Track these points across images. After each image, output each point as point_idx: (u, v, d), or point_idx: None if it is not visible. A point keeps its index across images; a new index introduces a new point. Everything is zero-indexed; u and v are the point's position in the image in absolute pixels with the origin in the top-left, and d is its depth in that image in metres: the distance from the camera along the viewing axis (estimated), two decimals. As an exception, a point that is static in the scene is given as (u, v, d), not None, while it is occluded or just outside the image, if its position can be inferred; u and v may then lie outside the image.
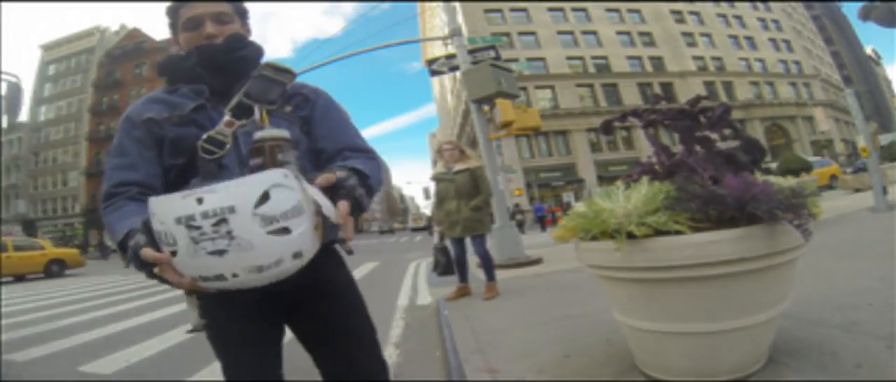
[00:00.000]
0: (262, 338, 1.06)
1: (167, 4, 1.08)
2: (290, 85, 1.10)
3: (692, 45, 36.13)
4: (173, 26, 1.07)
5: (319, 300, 1.09)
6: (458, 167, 4.08)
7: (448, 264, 4.14)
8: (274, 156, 0.91)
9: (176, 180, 1.00)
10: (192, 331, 1.00)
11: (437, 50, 23.05)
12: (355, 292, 1.17)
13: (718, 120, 1.75)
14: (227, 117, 1.00)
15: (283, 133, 0.95)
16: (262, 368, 1.05)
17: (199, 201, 0.70)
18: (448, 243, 4.20)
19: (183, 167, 1.00)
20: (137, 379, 2.85)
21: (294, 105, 1.10)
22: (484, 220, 4.06)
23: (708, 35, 37.30)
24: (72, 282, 10.63)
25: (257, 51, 1.12)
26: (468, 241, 4.17)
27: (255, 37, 1.15)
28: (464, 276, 4.18)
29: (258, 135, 0.94)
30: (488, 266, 4.13)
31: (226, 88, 1.05)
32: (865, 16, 4.16)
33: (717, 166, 1.65)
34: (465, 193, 3.99)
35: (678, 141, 1.80)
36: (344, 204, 0.85)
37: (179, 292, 1.00)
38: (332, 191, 0.90)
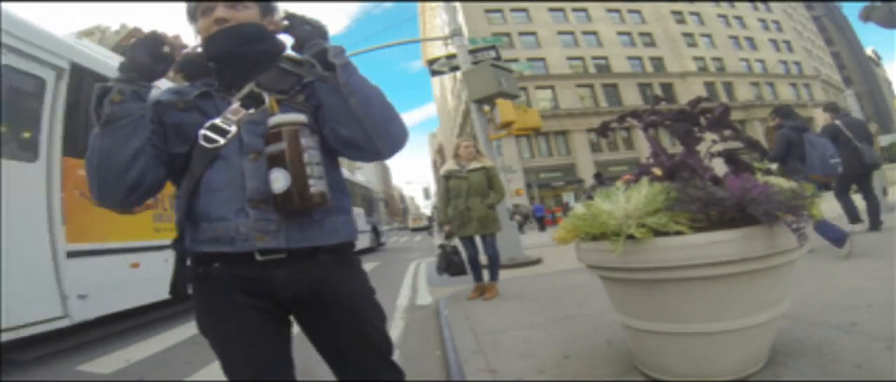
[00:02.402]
0: (259, 337, 0.96)
1: (185, 4, 1.05)
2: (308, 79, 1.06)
3: (693, 45, 36.11)
4: (192, 17, 1.03)
5: (327, 310, 1.00)
6: (472, 165, 4.05)
7: (461, 264, 4.08)
8: (296, 141, 0.90)
9: (179, 171, 0.98)
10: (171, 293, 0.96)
11: (438, 50, 23.06)
12: (369, 302, 1.07)
13: (717, 120, 1.75)
14: (234, 105, 0.98)
15: (300, 117, 0.94)
16: (259, 366, 0.96)
17: None
18: (457, 242, 4.15)
19: (187, 155, 0.97)
20: (137, 379, 2.85)
21: (307, 94, 1.05)
22: (498, 219, 4.04)
23: (708, 35, 37.28)
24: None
25: (277, 46, 1.07)
26: (478, 240, 4.12)
27: None
28: (478, 275, 4.12)
29: (273, 119, 0.92)
30: (496, 266, 4.12)
31: (239, 81, 1.01)
32: (866, 17, 4.15)
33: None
34: (479, 191, 3.96)
35: (677, 142, 1.80)
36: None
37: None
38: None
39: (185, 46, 0.98)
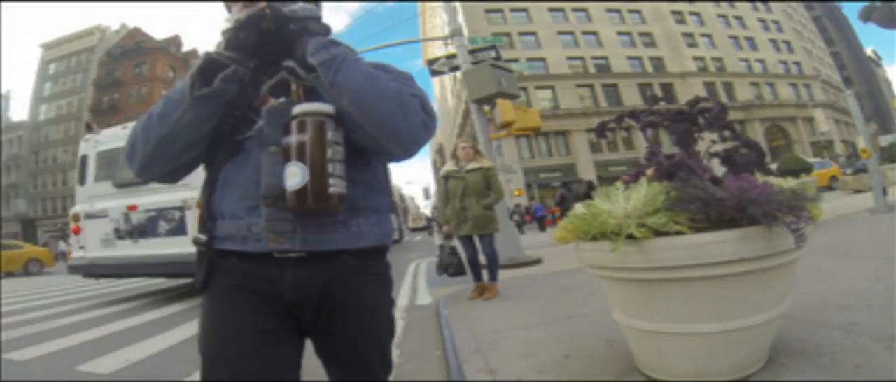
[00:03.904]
0: (266, 344, 0.86)
1: None
2: None
3: (693, 45, 36.12)
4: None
5: (334, 316, 0.91)
6: (471, 166, 4.07)
7: (460, 264, 4.10)
8: (320, 133, 0.81)
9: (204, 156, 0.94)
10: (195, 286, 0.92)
11: (438, 50, 23.05)
12: (383, 319, 0.99)
13: (715, 120, 1.75)
14: (262, 92, 0.91)
15: (327, 107, 0.83)
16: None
17: None
18: (456, 242, 4.18)
19: (211, 142, 0.92)
20: (137, 379, 2.85)
21: None
22: (494, 219, 4.05)
23: (708, 35, 37.30)
24: (72, 281, 10.63)
25: (323, 29, 0.93)
26: (477, 241, 4.14)
27: None
28: (478, 275, 4.14)
29: (298, 108, 0.83)
30: (495, 266, 4.12)
31: (270, 67, 0.92)
32: (866, 17, 4.16)
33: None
34: (476, 191, 3.98)
35: (673, 143, 1.80)
36: None
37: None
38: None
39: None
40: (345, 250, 0.89)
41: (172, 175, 0.94)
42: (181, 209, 5.41)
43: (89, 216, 5.98)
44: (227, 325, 0.86)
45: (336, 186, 0.81)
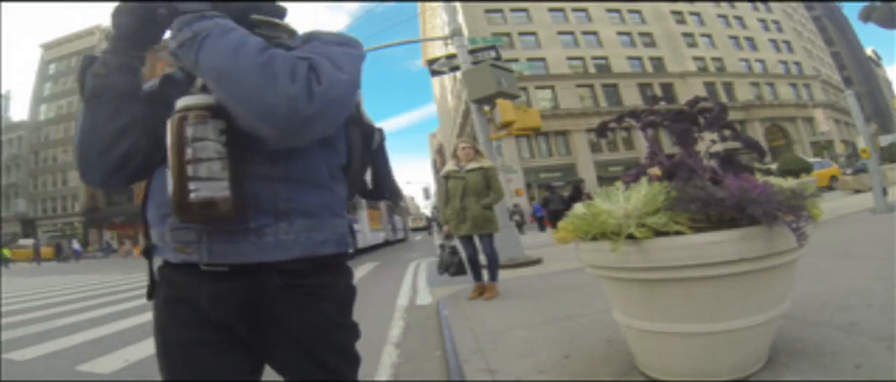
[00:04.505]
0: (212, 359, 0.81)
1: None
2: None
3: (693, 45, 36.11)
4: None
5: (271, 343, 0.81)
6: (471, 165, 4.08)
7: (460, 264, 4.12)
8: (179, 132, 0.70)
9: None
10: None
11: (438, 50, 23.05)
12: (331, 348, 0.85)
13: (715, 120, 1.75)
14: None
15: (200, 99, 0.73)
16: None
17: None
18: (457, 242, 4.19)
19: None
20: (137, 379, 2.85)
21: None
22: (494, 219, 4.05)
23: (708, 36, 37.29)
24: (72, 281, 10.62)
25: (275, 10, 0.88)
26: (477, 241, 4.15)
27: None
28: (478, 275, 4.15)
29: (179, 103, 0.74)
30: (494, 266, 4.13)
31: None
32: (866, 17, 4.16)
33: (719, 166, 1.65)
34: (475, 191, 3.98)
35: (673, 143, 1.80)
36: None
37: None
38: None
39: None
40: (265, 264, 0.77)
41: (115, 180, 0.85)
42: None
43: None
44: (169, 335, 0.82)
45: (200, 190, 0.69)
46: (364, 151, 0.98)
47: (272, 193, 0.77)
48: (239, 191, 0.72)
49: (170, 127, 0.72)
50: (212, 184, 0.70)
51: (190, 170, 0.69)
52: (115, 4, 0.79)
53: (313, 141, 0.76)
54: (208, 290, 0.78)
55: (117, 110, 0.79)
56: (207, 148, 0.70)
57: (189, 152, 0.69)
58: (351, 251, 0.81)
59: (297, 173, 0.80)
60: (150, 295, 0.87)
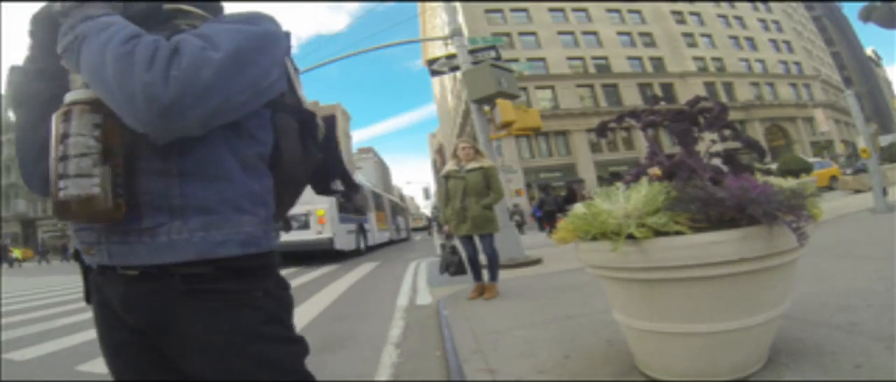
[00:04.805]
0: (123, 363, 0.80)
1: None
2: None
3: (693, 45, 36.11)
4: None
5: (183, 358, 0.75)
6: (471, 165, 4.08)
7: (461, 263, 4.13)
8: (57, 129, 0.68)
9: None
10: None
11: (438, 50, 23.05)
12: (245, 362, 0.74)
13: (715, 120, 1.75)
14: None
15: (80, 94, 0.70)
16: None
17: None
18: (457, 242, 4.19)
19: None
20: (137, 379, 2.85)
21: None
22: (493, 219, 4.05)
23: (708, 35, 37.29)
24: (72, 281, 10.63)
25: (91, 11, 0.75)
26: (477, 241, 4.15)
27: None
28: (478, 275, 4.15)
29: (67, 97, 0.70)
30: (494, 266, 4.13)
31: None
32: (866, 17, 4.16)
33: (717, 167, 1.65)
34: (476, 191, 3.98)
35: (673, 143, 1.80)
36: None
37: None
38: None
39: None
40: (167, 267, 0.70)
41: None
42: (306, 215, 10.11)
43: None
44: (101, 337, 0.81)
45: (68, 188, 0.66)
46: (307, 140, 0.89)
47: (165, 189, 0.71)
48: (117, 189, 0.68)
49: (52, 124, 0.69)
50: (80, 181, 0.66)
51: (60, 167, 0.66)
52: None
53: (203, 130, 0.68)
54: (120, 294, 0.74)
55: (42, 117, 0.74)
56: (78, 144, 0.67)
57: (60, 149, 0.67)
58: (267, 252, 0.77)
59: (193, 166, 0.72)
60: (87, 299, 0.84)
